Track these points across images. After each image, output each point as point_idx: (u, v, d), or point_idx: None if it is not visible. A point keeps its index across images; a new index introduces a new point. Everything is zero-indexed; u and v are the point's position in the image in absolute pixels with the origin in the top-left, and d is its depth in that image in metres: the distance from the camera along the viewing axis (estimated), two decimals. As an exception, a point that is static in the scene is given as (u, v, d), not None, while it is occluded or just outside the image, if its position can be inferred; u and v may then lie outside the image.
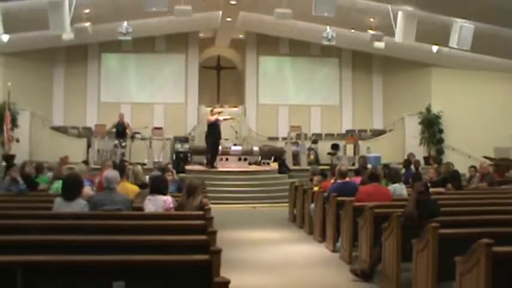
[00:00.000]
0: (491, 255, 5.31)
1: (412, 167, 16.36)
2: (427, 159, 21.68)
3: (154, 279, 4.83)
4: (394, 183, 10.84)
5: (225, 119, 20.79)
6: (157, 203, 7.94)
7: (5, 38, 18.80)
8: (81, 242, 5.78)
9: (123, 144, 21.28)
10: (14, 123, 20.70)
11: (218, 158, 20.82)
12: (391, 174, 11.29)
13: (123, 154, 20.94)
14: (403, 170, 15.34)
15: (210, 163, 20.18)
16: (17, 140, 20.69)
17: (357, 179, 12.01)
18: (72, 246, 5.61)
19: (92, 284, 4.45)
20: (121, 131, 21.33)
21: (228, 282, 4.11)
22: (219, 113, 20.57)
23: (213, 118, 20.06)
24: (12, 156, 19.23)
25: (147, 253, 5.25)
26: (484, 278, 5.30)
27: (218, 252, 5.25)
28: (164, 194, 8.10)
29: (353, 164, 19.72)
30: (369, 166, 14.87)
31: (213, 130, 20.01)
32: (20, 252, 5.23)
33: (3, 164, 18.27)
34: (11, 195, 9.95)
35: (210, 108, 21.50)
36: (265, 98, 26.29)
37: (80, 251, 5.35)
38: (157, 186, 8.17)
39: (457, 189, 12.76)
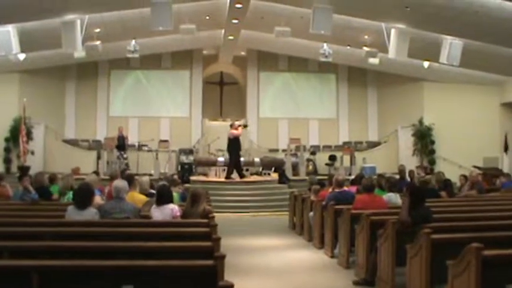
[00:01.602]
0: (481, 258, 5.33)
1: (407, 177, 16.35)
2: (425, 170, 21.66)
3: (162, 283, 4.83)
4: (390, 192, 10.87)
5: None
6: (164, 212, 7.95)
7: (21, 56, 18.91)
8: (91, 248, 5.81)
9: (125, 155, 21.31)
10: (29, 137, 20.82)
11: (221, 168, 20.87)
12: (390, 184, 11.29)
13: (126, 165, 20.94)
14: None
15: (240, 173, 20.23)
16: (32, 153, 20.81)
17: (353, 188, 12.00)
18: (84, 251, 5.64)
19: (103, 287, 4.44)
20: (121, 143, 21.37)
21: (232, 286, 4.10)
22: (240, 126, 20.51)
23: (239, 132, 20.06)
24: (27, 168, 19.27)
25: (155, 258, 5.27)
26: (475, 280, 5.31)
27: (222, 257, 5.23)
28: (166, 203, 8.09)
29: (349, 174, 19.69)
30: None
31: (237, 143, 19.99)
32: (35, 257, 5.27)
33: (18, 175, 18.29)
34: (25, 204, 9.95)
35: (229, 123, 21.24)
36: (266, 111, 26.36)
37: (91, 256, 5.37)
38: (163, 196, 8.19)
39: (450, 197, 12.77)
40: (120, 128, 21.93)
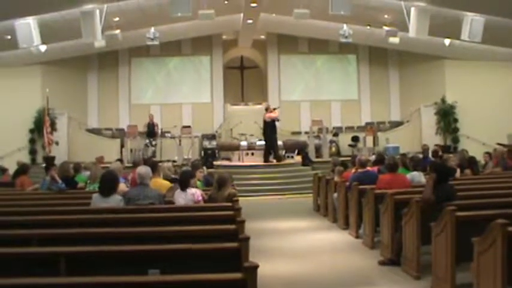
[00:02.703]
0: (507, 234, 5.30)
1: (430, 155, 16.27)
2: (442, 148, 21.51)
3: (188, 266, 4.87)
4: (414, 171, 10.86)
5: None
6: (187, 197, 8.01)
7: (43, 48, 19.07)
8: (117, 234, 5.88)
9: (154, 143, 21.43)
10: (53, 127, 21.01)
11: (244, 153, 20.93)
12: (414, 163, 11.29)
13: (154, 152, 21.08)
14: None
15: (277, 156, 20.37)
16: (57, 143, 21.00)
17: (375, 169, 11.98)
18: (110, 238, 5.70)
19: (129, 272, 4.50)
20: (151, 130, 21.49)
21: (257, 266, 4.13)
22: (275, 108, 20.47)
23: (276, 114, 20.08)
24: (53, 158, 19.47)
25: (180, 243, 5.31)
26: (501, 257, 5.29)
27: (247, 239, 5.27)
28: (187, 187, 8.15)
29: (373, 154, 19.56)
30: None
31: (274, 126, 20.08)
32: (62, 244, 5.35)
33: (44, 165, 18.51)
34: (52, 194, 10.09)
35: (263, 106, 21.37)
36: (287, 94, 26.26)
37: (117, 242, 5.43)
38: (182, 181, 8.26)
39: (474, 175, 12.69)
40: (151, 116, 22.11)
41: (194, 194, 8.03)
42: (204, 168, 13.41)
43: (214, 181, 8.66)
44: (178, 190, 8.14)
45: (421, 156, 15.60)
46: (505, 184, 10.36)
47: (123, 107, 25.69)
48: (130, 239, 5.59)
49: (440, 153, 15.77)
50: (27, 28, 15.74)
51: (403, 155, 13.60)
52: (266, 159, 20.24)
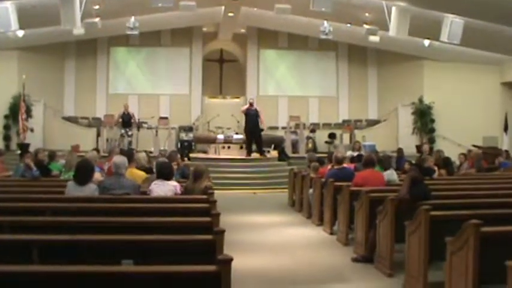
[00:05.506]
0: (480, 235, 5.35)
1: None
2: (419, 148, 21.69)
3: (162, 257, 4.84)
4: (386, 170, 10.93)
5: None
6: (166, 188, 7.94)
7: (20, 33, 18.85)
8: (91, 223, 5.83)
9: (130, 133, 21.27)
10: (28, 114, 20.74)
11: (221, 146, 20.89)
12: (384, 162, 11.38)
13: (130, 142, 20.94)
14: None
15: (248, 151, 20.37)
16: (32, 130, 20.76)
17: (351, 166, 12.05)
18: (84, 227, 5.66)
19: (102, 262, 4.46)
20: (127, 120, 21.31)
21: (231, 259, 4.12)
22: (250, 104, 20.49)
23: (242, 108, 20.18)
24: (27, 145, 19.29)
25: (155, 234, 5.28)
26: (473, 257, 5.34)
27: (221, 232, 5.26)
28: (169, 179, 8.09)
29: (353, 149, 19.56)
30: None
31: (246, 120, 20.22)
32: (36, 232, 5.29)
33: (18, 152, 18.31)
34: (26, 181, 9.99)
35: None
36: (266, 89, 26.24)
37: (91, 231, 5.39)
38: (164, 172, 8.18)
39: (449, 175, 12.82)
40: (126, 106, 21.80)
41: (175, 186, 7.97)
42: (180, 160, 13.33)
43: (190, 173, 8.61)
44: (157, 181, 8.06)
45: (394, 155, 15.83)
46: (479, 185, 10.50)
47: (101, 96, 25.44)
48: (104, 229, 5.52)
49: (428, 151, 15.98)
50: (5, 12, 15.50)
51: (377, 153, 13.68)
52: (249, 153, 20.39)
